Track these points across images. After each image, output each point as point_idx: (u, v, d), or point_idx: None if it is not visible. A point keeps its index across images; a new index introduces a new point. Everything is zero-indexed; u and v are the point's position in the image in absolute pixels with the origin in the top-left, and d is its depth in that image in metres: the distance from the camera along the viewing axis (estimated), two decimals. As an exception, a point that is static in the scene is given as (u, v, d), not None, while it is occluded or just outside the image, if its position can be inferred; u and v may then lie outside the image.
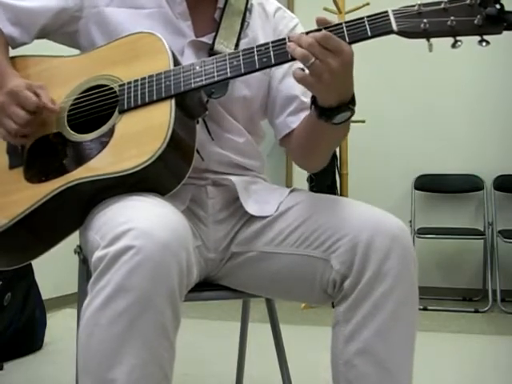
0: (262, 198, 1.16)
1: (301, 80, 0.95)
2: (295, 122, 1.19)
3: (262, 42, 1.16)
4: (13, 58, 1.16)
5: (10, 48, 1.16)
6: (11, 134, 1.04)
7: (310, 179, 3.36)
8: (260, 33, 1.22)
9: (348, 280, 0.98)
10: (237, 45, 1.17)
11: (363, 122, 3.10)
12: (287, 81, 1.21)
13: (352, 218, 1.02)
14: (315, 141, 1.13)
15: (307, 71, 0.94)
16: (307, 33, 0.96)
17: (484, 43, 0.92)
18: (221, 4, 1.19)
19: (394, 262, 0.96)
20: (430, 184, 3.74)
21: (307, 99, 1.19)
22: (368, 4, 3.18)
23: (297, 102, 1.20)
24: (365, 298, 0.96)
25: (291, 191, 1.17)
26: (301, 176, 3.45)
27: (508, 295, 3.43)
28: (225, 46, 1.15)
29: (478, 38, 0.92)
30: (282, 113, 1.21)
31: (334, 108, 0.99)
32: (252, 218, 1.14)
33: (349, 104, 1.00)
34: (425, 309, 3.24)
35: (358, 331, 0.96)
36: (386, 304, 0.95)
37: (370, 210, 1.04)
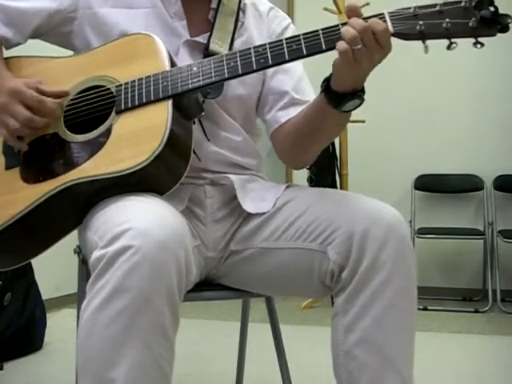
0: (258, 196, 1.17)
1: (343, 53, 0.94)
2: (284, 116, 1.20)
3: (256, 41, 1.18)
4: (7, 58, 1.15)
5: (4, 49, 1.16)
6: (12, 133, 1.04)
7: (310, 179, 3.36)
8: (255, 32, 1.23)
9: (345, 270, 0.98)
10: (231, 44, 1.17)
11: (363, 122, 3.10)
12: (278, 77, 1.22)
13: (348, 209, 1.03)
14: (313, 132, 1.13)
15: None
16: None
17: (479, 45, 0.93)
18: (214, 4, 1.20)
19: (391, 252, 0.96)
20: (430, 184, 3.74)
21: (298, 96, 1.21)
22: (368, 4, 3.17)
23: (287, 97, 1.21)
24: (362, 288, 0.96)
25: (287, 187, 1.18)
26: (300, 176, 3.45)
27: (508, 295, 3.43)
28: (219, 45, 1.15)
29: (472, 40, 0.93)
30: (272, 108, 1.22)
31: (345, 94, 1.00)
32: (250, 216, 1.15)
33: (360, 91, 1.01)
34: (425, 309, 3.23)
35: (356, 321, 0.97)
36: (384, 293, 0.95)
37: (366, 201, 1.05)
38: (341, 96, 1.01)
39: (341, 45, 0.94)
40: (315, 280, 1.05)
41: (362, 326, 0.96)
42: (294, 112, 1.19)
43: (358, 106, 1.03)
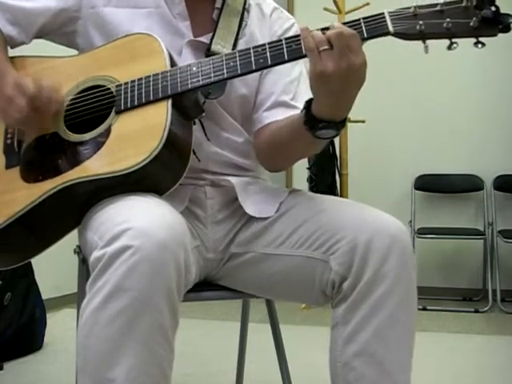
0: (261, 199, 1.16)
1: (309, 49, 0.93)
2: (268, 118, 1.18)
3: (258, 42, 1.16)
4: (11, 58, 1.16)
5: (8, 48, 1.17)
6: (17, 122, 1.04)
7: (310, 179, 3.35)
8: (257, 33, 1.22)
9: (347, 281, 0.98)
10: (234, 45, 1.17)
11: (363, 121, 3.10)
12: (269, 77, 1.20)
13: (351, 220, 1.02)
14: (286, 145, 1.11)
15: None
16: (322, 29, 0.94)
17: (480, 45, 0.92)
18: (218, 4, 1.20)
19: (393, 264, 0.96)
20: (429, 184, 3.74)
21: (287, 97, 1.18)
22: (368, 4, 3.18)
23: (273, 98, 1.19)
24: (364, 300, 0.96)
25: (291, 192, 1.17)
26: (301, 176, 3.45)
27: (508, 295, 3.43)
28: (222, 46, 1.15)
29: (473, 39, 0.93)
30: (259, 108, 1.20)
31: (323, 121, 0.98)
32: (252, 219, 1.14)
33: (338, 123, 0.99)
34: (424, 309, 3.24)
35: (356, 333, 0.96)
36: (385, 305, 0.95)
37: (370, 211, 1.05)
38: (316, 120, 0.99)
39: (306, 43, 0.93)
40: (316, 289, 1.04)
41: (362, 338, 0.95)
42: (279, 114, 1.16)
43: (333, 137, 1.01)
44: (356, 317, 0.97)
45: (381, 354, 0.95)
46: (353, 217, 1.03)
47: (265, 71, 1.20)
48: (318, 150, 1.13)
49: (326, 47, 0.91)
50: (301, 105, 1.05)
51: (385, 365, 0.95)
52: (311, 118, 0.99)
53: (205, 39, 1.16)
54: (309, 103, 1.00)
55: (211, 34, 1.16)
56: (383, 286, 0.95)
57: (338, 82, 0.93)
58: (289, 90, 1.20)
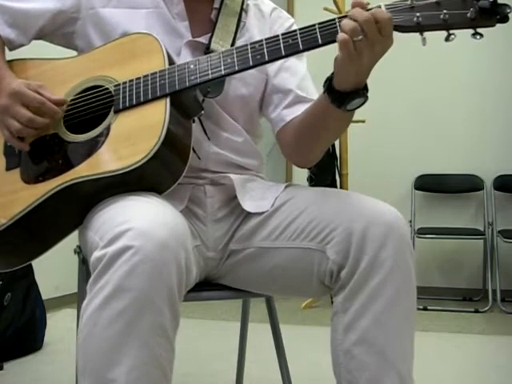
0: (258, 195, 1.17)
1: (343, 45, 0.93)
2: (290, 115, 1.19)
3: None
4: (10, 61, 1.16)
5: (7, 50, 1.17)
6: (14, 134, 1.04)
7: (310, 179, 3.36)
8: (256, 33, 1.22)
9: (344, 270, 0.98)
10: (232, 45, 1.17)
11: (363, 121, 3.10)
12: (282, 75, 1.22)
13: (347, 208, 1.03)
14: (317, 131, 1.13)
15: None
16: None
17: (478, 36, 0.92)
18: (217, 4, 1.20)
19: (390, 251, 0.96)
20: (429, 184, 3.74)
21: (303, 93, 1.20)
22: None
23: (292, 95, 1.20)
24: (362, 287, 0.96)
25: (286, 186, 1.18)
26: (301, 176, 3.45)
27: (508, 295, 3.43)
28: (220, 45, 1.15)
29: (471, 31, 0.92)
30: (277, 107, 1.21)
31: (348, 92, 0.99)
32: (249, 215, 1.15)
33: (363, 89, 1.00)
34: (425, 309, 3.23)
35: (356, 320, 0.96)
36: (383, 292, 0.95)
37: (365, 200, 1.05)
38: (344, 95, 1.00)
39: (341, 36, 0.92)
40: (314, 279, 1.05)
41: (362, 325, 0.96)
42: (298, 110, 1.18)
43: (362, 104, 1.02)
44: (355, 305, 0.97)
45: (381, 341, 0.95)
46: (348, 206, 1.03)
47: (274, 71, 1.22)
48: (347, 125, 1.13)
49: (360, 37, 0.92)
50: (315, 97, 1.05)
51: (385, 353, 0.95)
52: (337, 95, 1.00)
53: (203, 39, 1.17)
54: (329, 83, 1.01)
55: (210, 34, 1.17)
56: (381, 274, 0.95)
57: (369, 63, 0.95)
58: (303, 86, 1.22)
